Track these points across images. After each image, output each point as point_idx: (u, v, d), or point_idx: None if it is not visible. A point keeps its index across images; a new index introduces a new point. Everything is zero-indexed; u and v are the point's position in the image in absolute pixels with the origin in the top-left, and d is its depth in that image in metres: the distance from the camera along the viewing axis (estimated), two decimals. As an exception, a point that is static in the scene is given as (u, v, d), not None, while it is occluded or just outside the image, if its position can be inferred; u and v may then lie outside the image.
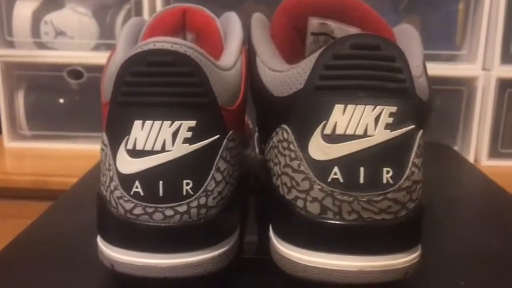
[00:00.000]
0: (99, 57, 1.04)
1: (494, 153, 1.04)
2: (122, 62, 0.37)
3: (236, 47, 0.44)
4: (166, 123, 0.36)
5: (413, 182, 0.37)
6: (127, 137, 0.37)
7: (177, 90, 0.37)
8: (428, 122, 0.42)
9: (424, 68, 0.42)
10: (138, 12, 1.04)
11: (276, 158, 0.40)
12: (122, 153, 0.37)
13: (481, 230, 0.55)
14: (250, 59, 0.45)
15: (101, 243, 0.40)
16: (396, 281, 0.37)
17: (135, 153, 0.37)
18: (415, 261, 0.38)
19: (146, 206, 0.37)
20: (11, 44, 1.07)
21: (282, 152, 0.39)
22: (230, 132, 0.40)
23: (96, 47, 1.07)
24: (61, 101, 1.09)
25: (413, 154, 0.37)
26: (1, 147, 1.09)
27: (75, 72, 1.07)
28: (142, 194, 0.37)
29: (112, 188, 0.38)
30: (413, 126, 0.37)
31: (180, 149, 0.37)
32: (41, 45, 1.07)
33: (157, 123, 0.37)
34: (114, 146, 0.38)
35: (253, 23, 0.47)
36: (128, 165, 0.37)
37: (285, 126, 0.39)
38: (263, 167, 0.45)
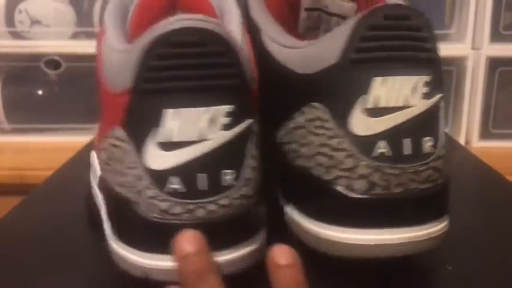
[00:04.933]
0: (78, 46, 1.01)
1: (485, 134, 1.03)
2: (143, 45, 0.33)
3: (238, 25, 0.40)
4: (202, 109, 0.33)
5: (445, 150, 0.38)
6: (156, 128, 0.33)
7: (210, 73, 0.33)
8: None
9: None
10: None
11: (305, 139, 0.38)
12: (151, 147, 0.34)
13: (471, 213, 0.52)
14: (253, 36, 0.42)
15: (124, 251, 0.36)
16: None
17: (168, 146, 0.33)
18: (448, 227, 0.39)
19: (186, 203, 0.34)
20: (-16, 35, 1.00)
21: (315, 132, 0.37)
22: (255, 115, 0.37)
23: (74, 36, 1.03)
24: (40, 92, 1.06)
25: (441, 122, 0.37)
26: (-21, 142, 1.01)
27: (53, 62, 1.03)
28: (181, 190, 0.34)
29: (140, 187, 0.34)
30: (441, 94, 0.37)
31: (218, 137, 0.34)
32: (16, 35, 1.03)
33: (192, 110, 0.33)
34: (138, 140, 0.34)
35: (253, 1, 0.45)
36: (161, 160, 0.34)
37: (315, 104, 0.37)
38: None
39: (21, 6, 1.02)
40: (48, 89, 1.06)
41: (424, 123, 0.36)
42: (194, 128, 0.33)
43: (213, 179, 0.34)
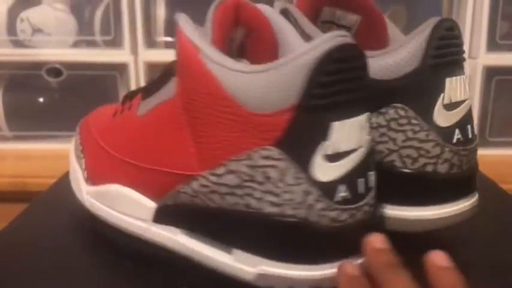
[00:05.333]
0: (79, 55, 1.02)
1: (482, 142, 1.02)
2: (308, 63, 0.34)
3: (300, 40, 0.42)
4: (358, 119, 0.36)
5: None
6: (323, 142, 0.35)
7: (359, 84, 0.36)
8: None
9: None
10: (117, 6, 1.00)
11: (384, 137, 0.43)
12: (318, 161, 0.35)
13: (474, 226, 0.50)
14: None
15: (285, 270, 0.37)
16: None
17: (335, 157, 0.35)
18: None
19: (350, 209, 0.36)
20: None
21: (398, 129, 0.43)
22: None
23: (76, 44, 1.03)
24: (41, 100, 1.06)
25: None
26: (-22, 150, 0.95)
27: (54, 70, 1.03)
28: (347, 197, 0.36)
29: (310, 201, 0.35)
30: None
31: (367, 142, 0.37)
32: (18, 43, 1.02)
33: (352, 120, 0.36)
34: (303, 156, 0.35)
35: (297, 14, 0.47)
36: (329, 171, 0.35)
37: (398, 104, 0.43)
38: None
39: (23, 15, 1.01)
40: (50, 97, 1.06)
41: (471, 112, 0.45)
42: (354, 137, 0.36)
43: (366, 182, 0.37)
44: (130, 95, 0.48)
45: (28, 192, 0.86)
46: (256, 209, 0.36)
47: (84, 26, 1.03)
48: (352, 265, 0.35)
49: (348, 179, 0.36)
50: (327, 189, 0.35)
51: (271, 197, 0.36)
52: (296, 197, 0.35)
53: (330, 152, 0.35)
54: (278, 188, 0.35)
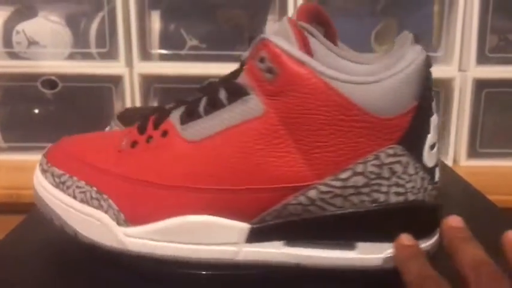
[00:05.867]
0: (74, 67, 1.03)
1: (473, 153, 1.06)
2: (418, 70, 0.40)
3: (331, 54, 0.47)
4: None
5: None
6: (428, 134, 0.42)
7: None
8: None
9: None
10: (112, 19, 1.02)
11: None
12: (426, 151, 0.42)
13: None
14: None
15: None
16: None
17: (433, 146, 0.42)
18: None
19: (438, 187, 0.43)
20: (-20, 56, 0.98)
21: None
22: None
23: (71, 56, 1.05)
24: (36, 111, 1.07)
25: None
26: (-27, 163, 0.91)
27: (50, 82, 1.04)
28: (439, 177, 0.43)
29: (425, 185, 0.42)
30: None
31: None
32: (14, 55, 1.04)
33: (436, 115, 0.43)
34: (418, 149, 0.42)
35: (314, 31, 0.49)
36: (431, 158, 0.42)
37: None
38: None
39: (19, 27, 1.03)
40: (45, 108, 1.08)
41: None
42: (437, 128, 0.43)
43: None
44: (153, 122, 0.45)
45: (22, 204, 0.87)
46: (382, 201, 0.41)
47: (79, 39, 1.04)
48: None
49: (438, 162, 0.43)
50: (431, 173, 0.42)
51: (397, 188, 0.41)
52: (417, 184, 0.42)
53: (431, 142, 0.42)
54: (402, 180, 0.41)
